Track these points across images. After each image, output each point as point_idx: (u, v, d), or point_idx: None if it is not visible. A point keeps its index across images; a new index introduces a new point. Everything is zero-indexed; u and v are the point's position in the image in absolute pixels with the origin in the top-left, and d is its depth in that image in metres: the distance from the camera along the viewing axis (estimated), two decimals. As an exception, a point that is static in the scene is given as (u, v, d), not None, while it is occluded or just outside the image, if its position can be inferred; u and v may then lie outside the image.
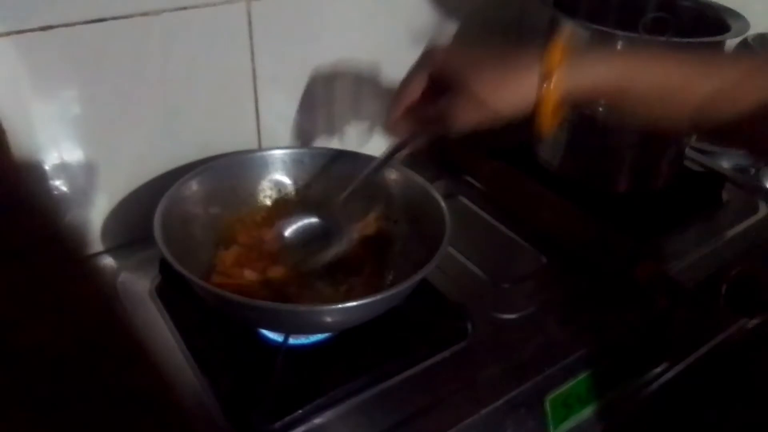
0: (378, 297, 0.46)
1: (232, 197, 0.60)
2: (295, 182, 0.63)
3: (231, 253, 0.57)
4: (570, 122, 0.70)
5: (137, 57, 0.56)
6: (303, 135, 0.70)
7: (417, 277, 0.48)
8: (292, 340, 0.51)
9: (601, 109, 0.68)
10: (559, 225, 0.68)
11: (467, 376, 0.51)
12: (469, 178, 0.76)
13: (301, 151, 0.63)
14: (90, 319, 0.19)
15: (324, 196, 0.61)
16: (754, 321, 0.64)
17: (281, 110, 0.68)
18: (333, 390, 0.48)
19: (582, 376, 0.53)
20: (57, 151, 0.56)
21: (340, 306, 0.46)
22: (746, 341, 0.63)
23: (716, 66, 0.47)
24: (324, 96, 0.69)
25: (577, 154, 0.73)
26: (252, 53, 0.62)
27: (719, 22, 0.66)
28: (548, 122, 0.46)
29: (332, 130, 0.71)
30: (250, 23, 0.61)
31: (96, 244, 0.62)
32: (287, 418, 0.46)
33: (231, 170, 0.60)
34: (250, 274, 0.54)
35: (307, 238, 0.58)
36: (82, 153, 0.58)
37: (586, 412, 0.54)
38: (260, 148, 0.67)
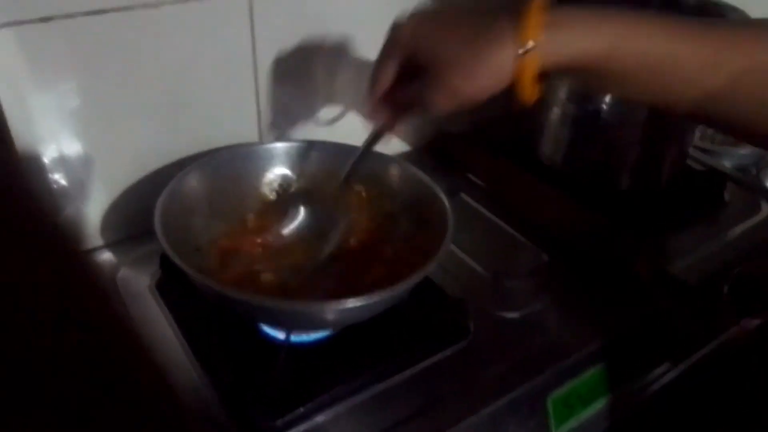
0: (379, 294, 0.46)
1: (234, 190, 0.59)
2: (298, 175, 0.62)
3: (232, 247, 0.56)
4: (572, 118, 0.70)
5: (137, 49, 0.56)
6: (304, 127, 0.70)
7: (419, 275, 0.48)
8: (293, 337, 0.51)
9: (604, 106, 0.67)
10: (561, 222, 0.68)
11: (469, 374, 0.51)
12: (470, 176, 0.76)
13: (305, 143, 0.62)
14: (89, 314, 0.19)
15: (327, 188, 0.60)
16: (756, 320, 0.64)
17: (282, 103, 0.67)
18: (335, 388, 0.48)
19: (584, 375, 0.53)
20: (56, 143, 0.56)
21: (341, 303, 0.46)
22: (748, 340, 0.63)
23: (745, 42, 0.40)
24: (326, 88, 0.68)
25: (580, 151, 0.72)
26: (253, 45, 0.62)
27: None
28: (528, 94, 0.42)
29: (334, 122, 0.70)
30: (251, 15, 0.60)
31: (95, 238, 0.62)
32: (289, 416, 0.46)
33: (233, 163, 0.59)
34: (252, 269, 0.54)
35: (309, 231, 0.57)
36: (81, 146, 0.57)
37: (589, 412, 0.54)
38: (262, 141, 0.67)
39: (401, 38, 0.46)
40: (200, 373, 0.49)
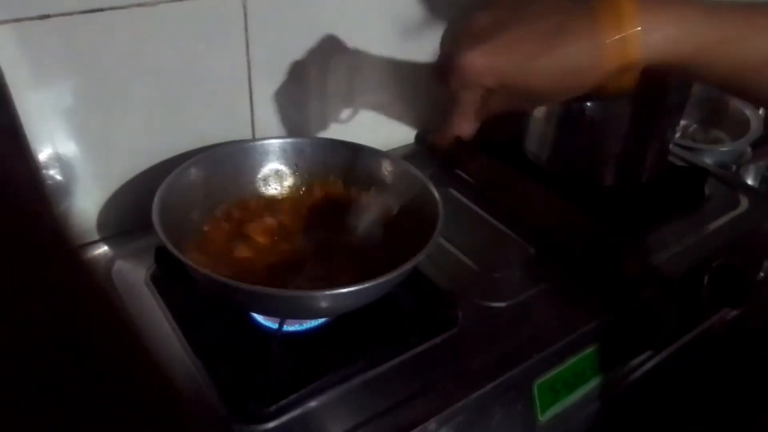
0: (370, 283, 0.47)
1: (231, 186, 0.61)
2: (294, 171, 0.64)
3: (226, 236, 0.58)
4: (557, 117, 0.72)
5: (134, 47, 0.57)
6: (298, 125, 0.71)
7: (409, 265, 0.49)
8: (286, 327, 0.52)
9: (589, 104, 0.69)
10: (547, 217, 0.69)
11: (458, 361, 0.52)
12: (459, 172, 0.77)
13: (301, 140, 0.64)
14: (85, 308, 0.19)
15: (322, 184, 0.63)
16: (734, 311, 0.66)
17: (276, 101, 0.68)
18: (327, 375, 0.49)
19: (569, 362, 0.55)
20: (52, 139, 0.57)
21: (332, 291, 0.47)
22: (726, 329, 0.65)
23: None
24: (319, 87, 0.70)
25: (565, 148, 0.74)
26: (247, 44, 0.63)
27: None
28: (626, 80, 0.40)
29: (327, 120, 0.72)
30: (245, 15, 0.61)
31: (91, 233, 0.63)
32: (282, 402, 0.47)
33: (230, 159, 0.61)
34: (247, 254, 0.55)
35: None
36: (78, 142, 0.58)
37: (573, 397, 0.55)
38: (258, 138, 0.68)
39: (476, 78, 0.42)
40: (195, 362, 0.51)
